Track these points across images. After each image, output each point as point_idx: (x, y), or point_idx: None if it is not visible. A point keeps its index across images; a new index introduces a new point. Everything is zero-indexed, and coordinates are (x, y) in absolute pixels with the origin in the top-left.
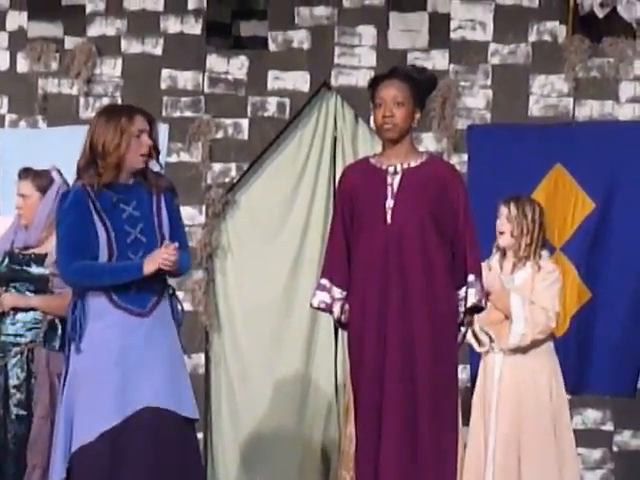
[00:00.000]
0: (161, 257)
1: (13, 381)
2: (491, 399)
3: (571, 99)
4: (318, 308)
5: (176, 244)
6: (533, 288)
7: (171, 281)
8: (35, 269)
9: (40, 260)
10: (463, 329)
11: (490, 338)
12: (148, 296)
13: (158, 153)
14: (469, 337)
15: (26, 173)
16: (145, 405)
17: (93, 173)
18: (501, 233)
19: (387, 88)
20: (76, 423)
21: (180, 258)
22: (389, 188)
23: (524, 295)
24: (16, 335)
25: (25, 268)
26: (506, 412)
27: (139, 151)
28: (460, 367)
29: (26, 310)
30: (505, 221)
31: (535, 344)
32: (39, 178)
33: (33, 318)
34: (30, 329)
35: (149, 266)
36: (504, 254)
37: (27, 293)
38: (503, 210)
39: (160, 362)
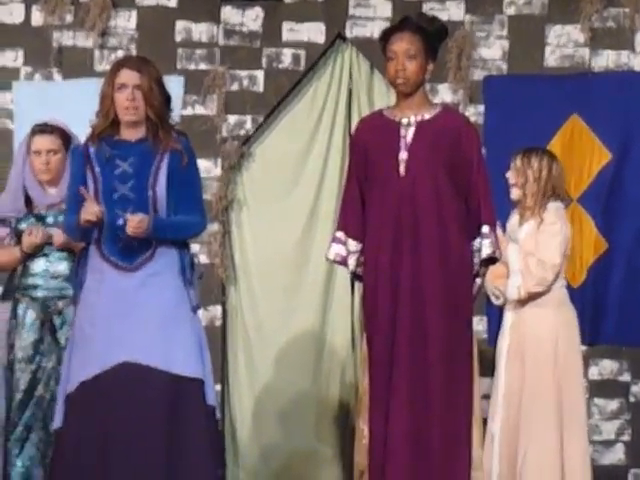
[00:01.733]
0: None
1: (64, 334)
2: (501, 351)
3: (587, 49)
4: (334, 261)
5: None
6: (536, 241)
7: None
8: None
9: None
10: (478, 280)
11: (499, 292)
12: (136, 252)
13: (163, 104)
14: (488, 290)
15: (50, 128)
16: (124, 360)
17: None
18: (511, 186)
19: (399, 41)
20: (69, 374)
21: (181, 221)
22: (402, 140)
23: (525, 247)
24: (61, 289)
25: (60, 220)
26: (510, 364)
27: (120, 104)
28: (477, 319)
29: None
30: (513, 173)
31: (533, 297)
32: (63, 134)
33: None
34: None
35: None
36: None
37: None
38: (512, 163)
39: (148, 318)
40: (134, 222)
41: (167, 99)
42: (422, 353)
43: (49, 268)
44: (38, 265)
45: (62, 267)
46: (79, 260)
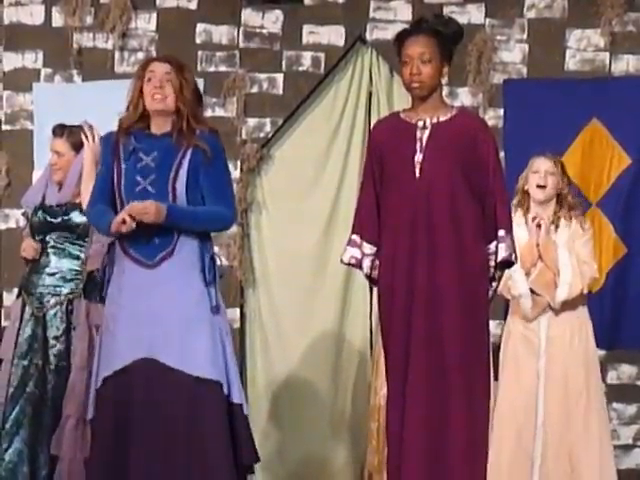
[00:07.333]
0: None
1: (53, 332)
2: (537, 364)
3: (607, 53)
4: (348, 264)
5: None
6: (581, 244)
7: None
8: (77, 218)
9: (79, 208)
10: (494, 284)
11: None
12: (157, 248)
13: (194, 99)
14: (523, 304)
15: (61, 130)
16: (143, 356)
17: None
18: (542, 186)
19: (413, 45)
20: (98, 370)
21: (202, 210)
22: (418, 142)
23: (570, 249)
24: (55, 286)
25: (65, 218)
26: (554, 374)
27: (148, 92)
28: (495, 322)
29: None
30: (548, 175)
31: (582, 296)
32: (73, 136)
33: (72, 269)
34: (69, 280)
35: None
36: (527, 209)
37: (66, 244)
38: (544, 164)
39: (167, 317)
40: (136, 209)
41: (199, 96)
42: (438, 355)
43: (48, 264)
44: (40, 263)
45: (60, 264)
46: (108, 255)
